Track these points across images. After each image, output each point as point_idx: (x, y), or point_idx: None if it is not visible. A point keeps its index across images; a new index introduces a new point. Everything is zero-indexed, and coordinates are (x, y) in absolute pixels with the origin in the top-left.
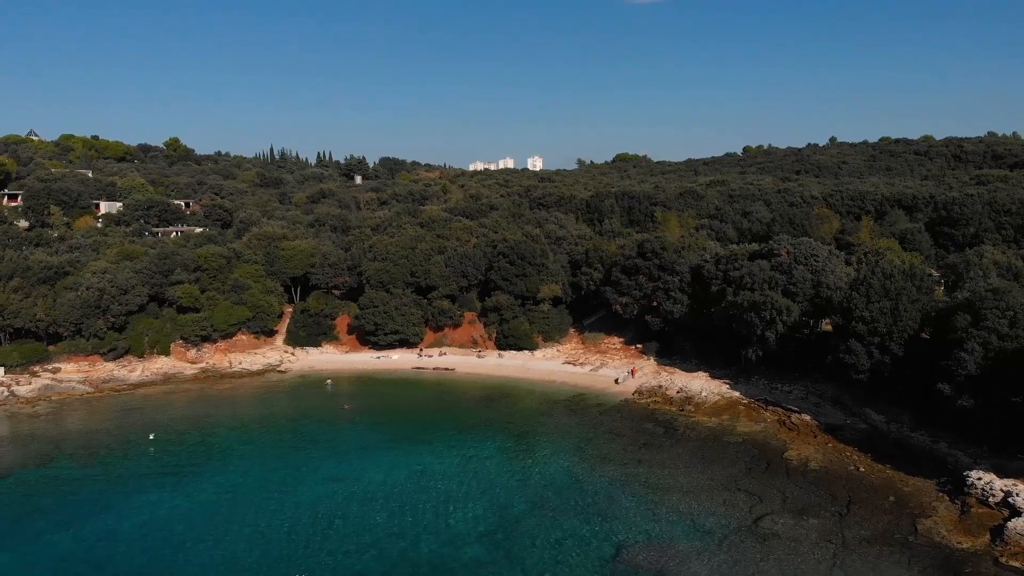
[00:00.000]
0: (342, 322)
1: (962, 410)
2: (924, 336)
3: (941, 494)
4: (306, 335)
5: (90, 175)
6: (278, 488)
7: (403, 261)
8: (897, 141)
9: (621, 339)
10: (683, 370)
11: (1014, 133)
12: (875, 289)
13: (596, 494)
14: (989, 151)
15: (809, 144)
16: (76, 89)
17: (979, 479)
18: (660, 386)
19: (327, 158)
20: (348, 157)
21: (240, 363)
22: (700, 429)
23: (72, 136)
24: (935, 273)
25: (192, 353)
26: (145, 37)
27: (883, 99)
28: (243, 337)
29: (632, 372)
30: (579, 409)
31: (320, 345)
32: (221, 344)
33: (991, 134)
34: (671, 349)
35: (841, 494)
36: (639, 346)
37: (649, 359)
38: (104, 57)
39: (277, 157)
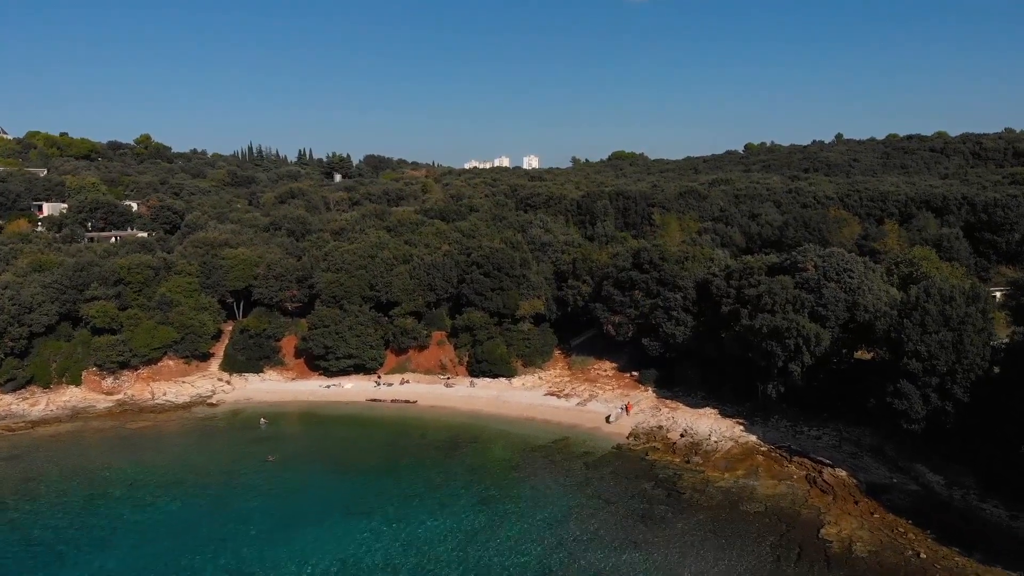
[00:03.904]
0: (288, 344)
1: None
2: (992, 374)
3: None
4: (246, 359)
5: (43, 174)
6: None
7: (360, 272)
8: (910, 138)
9: (614, 365)
10: (687, 405)
11: None
12: (932, 316)
13: None
14: (1010, 148)
15: (815, 141)
16: (61, 87)
17: None
18: (660, 427)
19: (307, 156)
20: (331, 155)
21: (164, 394)
22: (711, 492)
23: (36, 133)
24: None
25: (108, 382)
26: (133, 34)
27: (884, 97)
28: (170, 362)
29: (626, 408)
30: (562, 460)
31: (262, 371)
32: (143, 371)
33: (1008, 130)
34: (672, 378)
35: None
36: (634, 374)
37: (647, 390)
38: (87, 53)
39: (255, 155)
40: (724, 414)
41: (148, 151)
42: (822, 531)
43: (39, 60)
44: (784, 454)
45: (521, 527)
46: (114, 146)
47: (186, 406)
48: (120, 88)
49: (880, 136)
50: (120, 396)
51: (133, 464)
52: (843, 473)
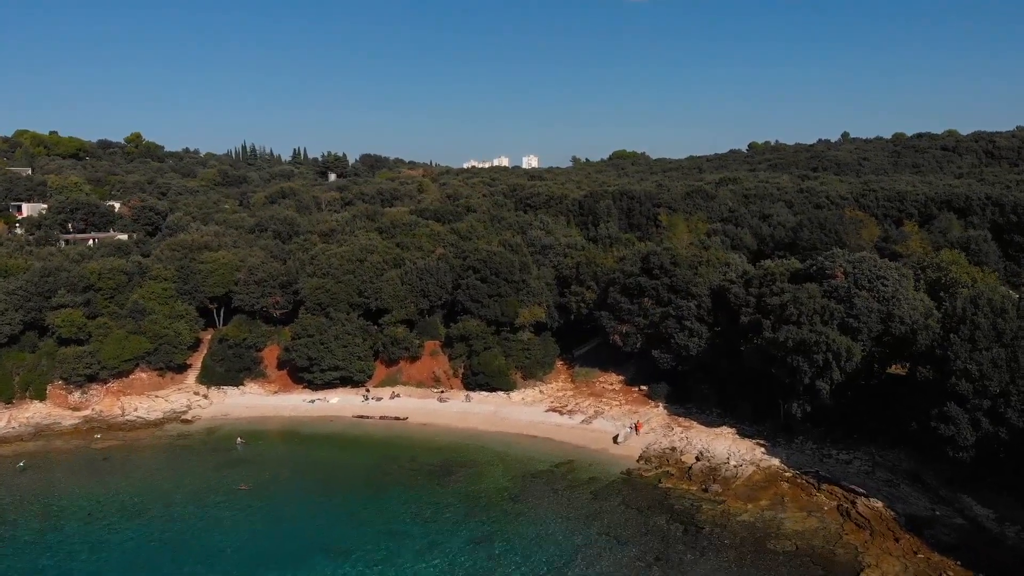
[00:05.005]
0: (271, 354)
1: None
2: None
3: None
4: (224, 371)
5: (27, 173)
6: None
7: (348, 277)
8: (920, 136)
9: (620, 377)
10: (702, 423)
11: None
12: (983, 331)
13: None
14: None
15: (821, 140)
16: (56, 87)
17: None
18: (673, 448)
19: (302, 155)
20: (326, 154)
21: (135, 409)
22: (734, 527)
23: (25, 131)
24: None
25: (75, 397)
26: (131, 33)
27: (887, 95)
28: (142, 375)
29: (636, 427)
30: (565, 488)
31: (242, 384)
32: (113, 384)
33: (1021, 128)
34: (686, 393)
35: None
36: (643, 388)
37: (657, 406)
38: (83, 53)
39: (249, 154)
40: (742, 434)
41: (139, 150)
42: (862, 575)
43: (34, 59)
44: (811, 481)
45: (520, 572)
46: (104, 145)
47: (158, 423)
48: (118, 88)
49: (886, 135)
50: (88, 412)
51: (94, 491)
52: (879, 504)
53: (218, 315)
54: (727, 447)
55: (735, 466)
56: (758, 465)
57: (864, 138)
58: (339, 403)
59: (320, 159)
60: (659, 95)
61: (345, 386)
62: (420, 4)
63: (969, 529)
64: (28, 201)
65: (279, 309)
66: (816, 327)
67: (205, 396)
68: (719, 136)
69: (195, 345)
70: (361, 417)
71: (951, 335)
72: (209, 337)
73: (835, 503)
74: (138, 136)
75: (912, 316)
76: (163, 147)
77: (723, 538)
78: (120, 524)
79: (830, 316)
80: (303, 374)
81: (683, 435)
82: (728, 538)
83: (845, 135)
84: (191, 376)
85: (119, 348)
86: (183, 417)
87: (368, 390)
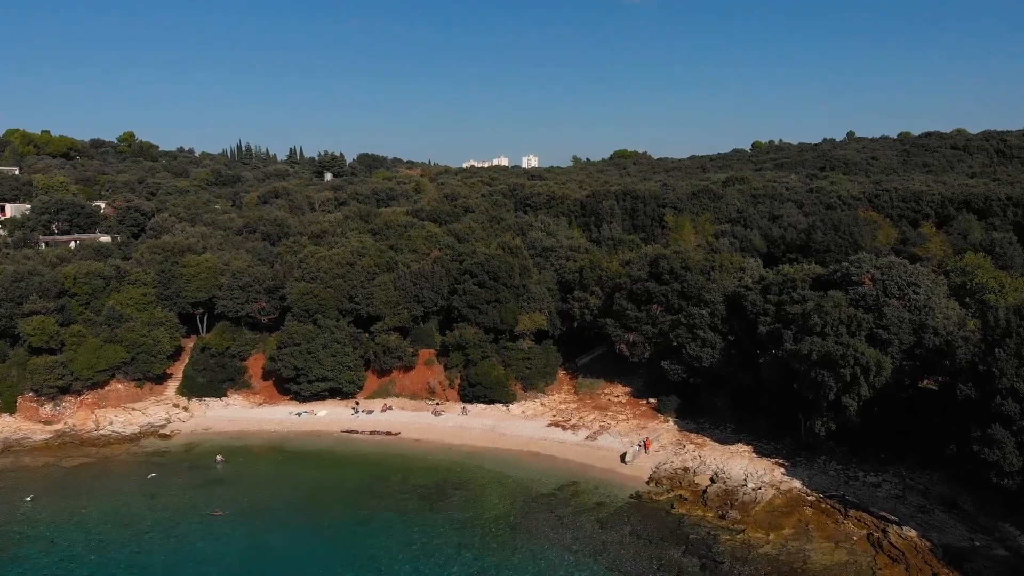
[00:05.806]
0: (256, 363)
1: None
2: None
3: None
4: (206, 382)
5: (14, 173)
6: None
7: (338, 281)
8: (928, 135)
9: (627, 389)
10: (715, 439)
11: None
12: None
13: None
14: None
15: (826, 139)
16: (54, 87)
17: None
18: (686, 468)
19: (298, 154)
20: (322, 153)
21: (110, 423)
22: (755, 560)
23: (16, 130)
24: None
25: (46, 410)
26: (129, 33)
27: (887, 94)
28: (119, 386)
29: (645, 445)
30: (570, 515)
31: (225, 395)
32: (88, 396)
33: None
34: (698, 407)
35: None
36: (651, 401)
37: (667, 421)
38: (80, 53)
39: (244, 153)
40: (760, 452)
41: (132, 149)
42: None
43: (29, 58)
44: (837, 506)
45: None
46: (96, 144)
47: (134, 438)
48: (113, 87)
49: (891, 134)
50: (60, 426)
51: (58, 515)
52: (913, 533)
53: (201, 322)
54: (744, 467)
55: (753, 489)
56: (778, 488)
57: (871, 137)
58: (327, 416)
59: (316, 159)
60: (660, 95)
61: (334, 398)
62: (420, 4)
63: (1013, 562)
64: (12, 201)
65: (265, 315)
66: (843, 339)
67: (185, 408)
68: (721, 136)
69: (176, 354)
70: (350, 432)
71: (996, 349)
72: (191, 345)
73: (865, 532)
74: (131, 135)
75: (946, 327)
76: (157, 146)
77: (744, 574)
78: (83, 554)
79: (858, 327)
80: (289, 385)
81: (696, 453)
82: (749, 574)
83: (851, 134)
84: (171, 387)
85: (93, 357)
86: (161, 432)
87: (358, 402)
